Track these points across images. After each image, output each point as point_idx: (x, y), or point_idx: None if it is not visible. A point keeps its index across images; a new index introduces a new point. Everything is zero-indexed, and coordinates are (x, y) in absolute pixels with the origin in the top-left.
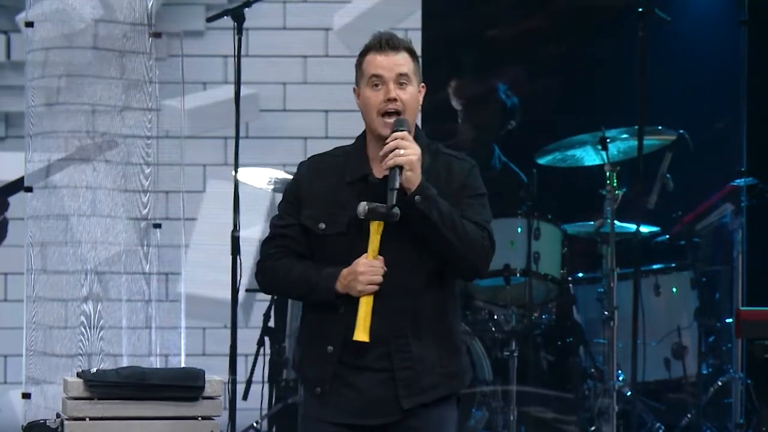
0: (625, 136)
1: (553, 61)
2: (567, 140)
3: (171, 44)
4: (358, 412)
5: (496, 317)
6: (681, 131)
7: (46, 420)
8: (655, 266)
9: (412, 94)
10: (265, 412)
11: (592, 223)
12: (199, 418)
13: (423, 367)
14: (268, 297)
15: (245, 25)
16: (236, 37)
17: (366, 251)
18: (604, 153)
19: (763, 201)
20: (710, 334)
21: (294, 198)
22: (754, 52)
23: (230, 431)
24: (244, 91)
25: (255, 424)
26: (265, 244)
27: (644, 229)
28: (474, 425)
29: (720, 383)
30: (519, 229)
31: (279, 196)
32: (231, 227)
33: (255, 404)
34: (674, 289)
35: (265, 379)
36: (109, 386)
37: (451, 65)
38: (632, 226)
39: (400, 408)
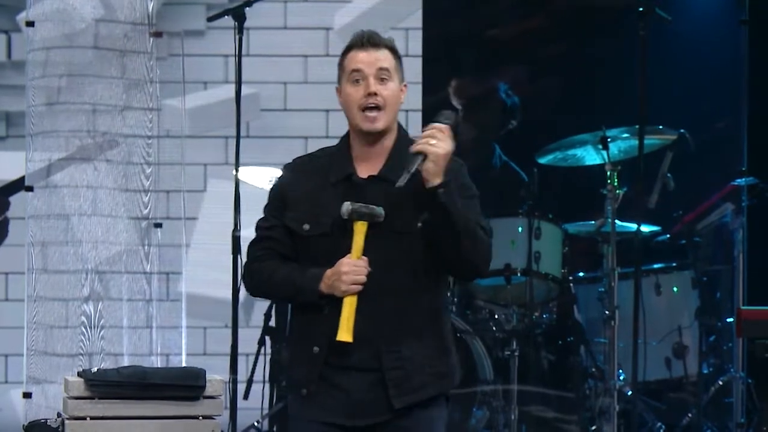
0: (625, 135)
1: (553, 60)
2: (568, 140)
3: (172, 44)
4: (346, 412)
5: (496, 317)
6: (682, 131)
7: (47, 419)
8: (655, 266)
9: (393, 91)
10: (266, 411)
11: (592, 222)
12: (200, 418)
13: (413, 367)
14: None
15: (246, 24)
16: (237, 37)
17: (350, 252)
18: (604, 152)
19: (763, 200)
20: (711, 333)
21: (278, 200)
22: (755, 51)
23: (231, 431)
24: (245, 90)
25: (256, 424)
26: (251, 247)
27: (645, 228)
28: (475, 424)
29: (721, 383)
30: (520, 229)
31: None
32: (232, 227)
33: (256, 404)
34: (675, 289)
35: (266, 378)
36: (110, 386)
37: (452, 65)
38: (633, 226)
39: (390, 408)
